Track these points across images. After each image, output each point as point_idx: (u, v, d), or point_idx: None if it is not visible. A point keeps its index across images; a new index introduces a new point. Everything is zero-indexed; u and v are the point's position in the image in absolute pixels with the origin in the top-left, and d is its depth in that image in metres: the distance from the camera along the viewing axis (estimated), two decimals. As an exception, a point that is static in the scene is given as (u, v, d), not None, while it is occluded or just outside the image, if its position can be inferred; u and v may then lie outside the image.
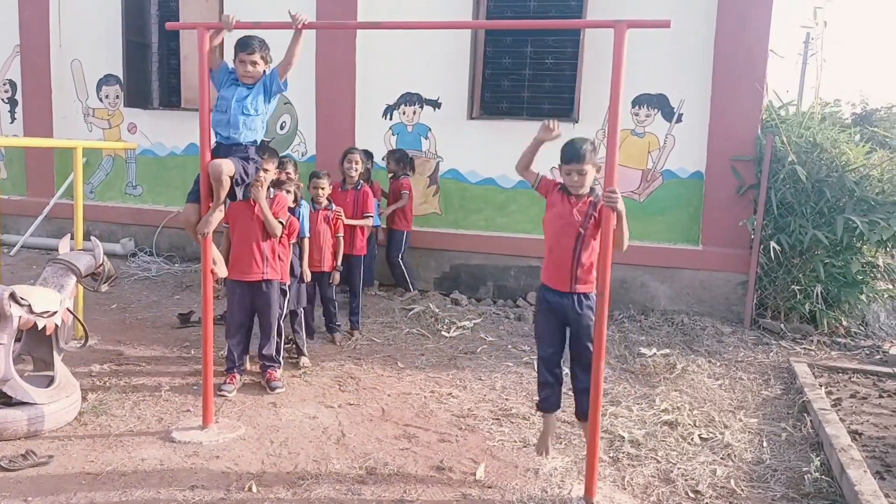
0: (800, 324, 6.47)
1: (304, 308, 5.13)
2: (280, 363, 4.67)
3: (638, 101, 6.92)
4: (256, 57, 3.68)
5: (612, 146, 3.14)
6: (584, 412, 3.39)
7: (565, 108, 7.21)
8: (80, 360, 4.82)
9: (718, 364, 5.48)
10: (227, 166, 3.61)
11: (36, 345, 4.03)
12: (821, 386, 4.90)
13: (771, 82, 7.10)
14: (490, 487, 3.38)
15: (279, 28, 3.56)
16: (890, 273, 6.62)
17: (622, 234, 3.21)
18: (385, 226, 7.05)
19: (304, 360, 4.97)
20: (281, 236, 4.53)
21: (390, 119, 7.65)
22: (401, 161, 7.14)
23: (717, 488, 3.46)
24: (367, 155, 6.93)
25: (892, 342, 6.26)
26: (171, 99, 8.76)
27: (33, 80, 8.89)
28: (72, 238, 4.67)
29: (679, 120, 6.87)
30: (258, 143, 3.84)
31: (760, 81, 6.54)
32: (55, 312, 3.86)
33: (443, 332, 6.01)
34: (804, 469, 3.65)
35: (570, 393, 3.66)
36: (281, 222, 4.50)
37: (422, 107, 7.54)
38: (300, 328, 5.07)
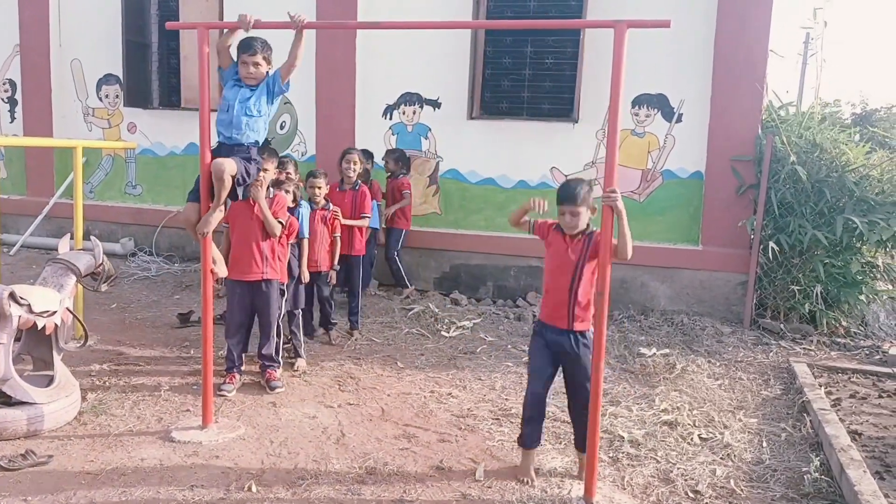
0: (799, 324, 6.47)
1: (301, 309, 5.12)
2: (280, 363, 4.67)
3: (638, 101, 6.93)
4: (259, 58, 3.68)
5: (611, 146, 3.13)
6: (581, 444, 3.41)
7: (565, 108, 7.21)
8: (80, 359, 4.82)
9: (718, 364, 5.48)
10: (230, 165, 3.61)
11: (35, 344, 4.03)
12: (820, 386, 4.91)
13: (771, 82, 7.12)
14: (489, 487, 3.38)
15: (281, 28, 3.55)
16: (889, 273, 6.62)
17: (624, 240, 3.20)
18: (384, 225, 7.05)
19: (301, 363, 4.96)
20: (280, 236, 4.53)
21: (390, 119, 7.65)
22: (399, 160, 7.14)
23: (717, 488, 3.46)
24: (368, 155, 6.93)
25: (891, 342, 6.27)
26: (171, 99, 8.77)
27: (33, 80, 8.89)
28: (71, 238, 4.67)
29: (679, 120, 6.87)
30: (260, 143, 3.85)
31: (760, 81, 6.54)
32: (55, 312, 3.86)
33: (442, 332, 6.01)
34: (804, 469, 3.65)
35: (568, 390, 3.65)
36: (280, 222, 4.50)
37: (422, 107, 7.54)
38: (297, 330, 5.07)
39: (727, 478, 3.57)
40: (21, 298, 3.67)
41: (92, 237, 4.72)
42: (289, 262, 4.84)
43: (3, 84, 9.16)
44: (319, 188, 5.32)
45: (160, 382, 4.54)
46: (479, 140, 7.37)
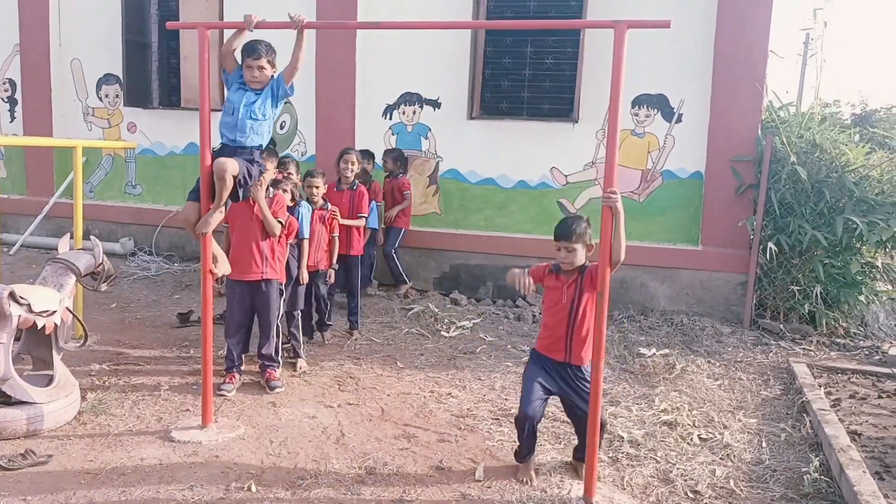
0: (799, 324, 6.47)
1: (300, 310, 5.12)
2: (279, 363, 4.67)
3: (638, 102, 6.93)
4: (263, 62, 3.68)
5: (611, 146, 3.13)
6: (581, 457, 3.45)
7: (565, 109, 7.21)
8: (80, 359, 4.82)
9: (718, 364, 5.48)
10: (232, 165, 3.62)
11: (35, 344, 4.03)
12: (820, 386, 4.91)
13: (771, 83, 7.12)
14: (489, 487, 3.38)
15: (281, 28, 3.55)
16: (889, 274, 6.62)
17: (619, 243, 3.20)
18: (384, 225, 7.05)
19: (301, 364, 4.96)
20: (280, 236, 4.53)
21: (390, 119, 7.65)
22: (397, 160, 7.14)
23: (717, 488, 3.47)
24: (369, 155, 6.93)
25: (891, 343, 6.27)
26: (171, 98, 8.76)
27: (33, 80, 8.89)
28: (71, 237, 4.67)
29: (679, 120, 6.87)
30: (264, 147, 3.85)
31: (760, 82, 6.54)
32: (54, 312, 3.86)
33: (442, 332, 6.01)
34: (803, 469, 3.65)
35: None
36: (280, 222, 4.50)
37: (421, 107, 7.54)
38: (297, 330, 5.06)
39: (727, 478, 3.57)
40: (21, 298, 3.67)
41: (92, 237, 4.72)
42: (287, 263, 4.83)
43: (3, 83, 9.16)
44: (317, 188, 5.31)
45: (160, 382, 4.54)
46: (478, 140, 7.37)
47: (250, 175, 3.76)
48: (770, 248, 6.29)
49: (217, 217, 3.70)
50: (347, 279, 5.84)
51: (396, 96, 7.59)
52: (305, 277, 5.04)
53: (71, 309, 4.17)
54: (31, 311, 3.70)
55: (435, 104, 7.50)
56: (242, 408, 4.21)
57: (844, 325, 6.52)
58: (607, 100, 3.22)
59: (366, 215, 5.96)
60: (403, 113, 7.60)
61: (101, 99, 8.78)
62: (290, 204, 4.82)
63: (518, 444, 3.52)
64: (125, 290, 6.96)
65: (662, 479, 3.54)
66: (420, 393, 4.63)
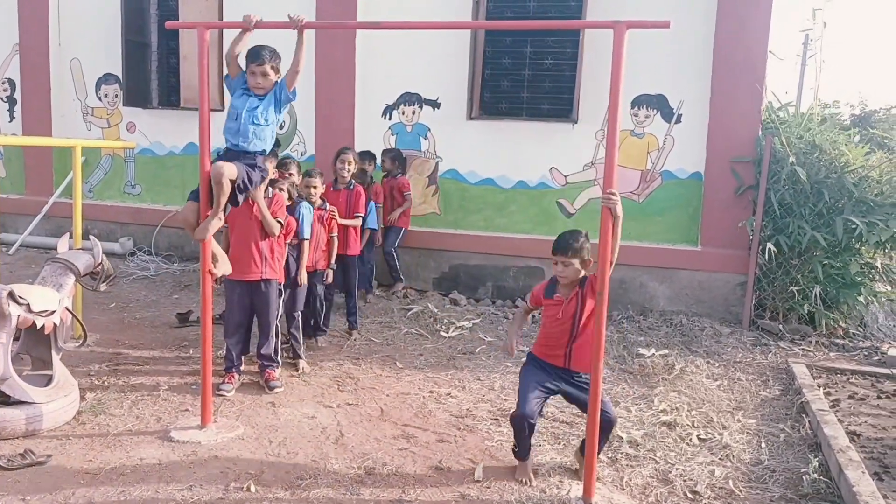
0: (798, 325, 6.48)
1: (301, 311, 5.11)
2: (279, 363, 4.67)
3: (637, 102, 6.93)
4: (266, 68, 3.68)
5: (611, 147, 3.13)
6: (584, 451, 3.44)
7: (565, 109, 7.21)
8: (79, 359, 4.82)
9: (717, 365, 5.48)
10: (230, 170, 3.60)
11: (34, 344, 4.02)
12: (819, 387, 4.91)
13: (770, 83, 7.12)
14: (488, 488, 3.38)
15: (281, 28, 3.55)
16: (888, 274, 6.63)
17: (614, 245, 3.20)
18: (382, 225, 7.04)
19: (302, 364, 4.95)
20: (278, 235, 4.53)
21: (389, 119, 7.65)
22: (396, 160, 7.14)
23: (716, 489, 3.47)
24: (370, 157, 6.91)
25: (890, 343, 6.27)
26: (171, 98, 8.76)
27: (32, 79, 8.88)
28: (70, 237, 4.67)
29: (678, 120, 6.87)
30: (267, 152, 3.84)
31: (760, 82, 6.55)
32: (54, 311, 3.86)
33: (441, 333, 6.01)
34: (802, 470, 3.65)
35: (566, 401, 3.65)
36: (279, 221, 4.50)
37: (421, 107, 7.54)
38: (297, 331, 5.05)
39: (726, 478, 3.57)
40: (20, 298, 3.66)
41: (91, 236, 4.71)
42: (287, 263, 4.83)
43: (3, 83, 9.15)
44: (315, 188, 5.29)
45: (159, 382, 4.53)
46: (478, 140, 7.37)
47: (251, 181, 3.73)
48: (769, 249, 6.29)
49: (216, 223, 3.67)
50: (345, 279, 5.83)
51: (396, 96, 7.59)
52: (304, 279, 5.01)
53: (70, 309, 4.17)
54: (30, 310, 3.70)
55: (434, 104, 7.50)
56: (242, 408, 4.21)
57: (843, 325, 6.53)
58: (607, 100, 3.22)
59: (362, 215, 5.95)
60: (403, 113, 7.60)
61: (100, 99, 8.78)
62: (287, 203, 4.81)
63: (515, 443, 3.52)
64: (124, 289, 6.96)
65: (661, 479, 3.54)
66: (419, 393, 4.63)
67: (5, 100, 9.18)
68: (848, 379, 5.25)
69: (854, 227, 6.09)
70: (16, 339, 3.91)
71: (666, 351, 5.63)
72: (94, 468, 3.37)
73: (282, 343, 4.86)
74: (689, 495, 3.39)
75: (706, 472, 3.63)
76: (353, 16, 7.38)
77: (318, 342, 5.51)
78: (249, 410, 4.18)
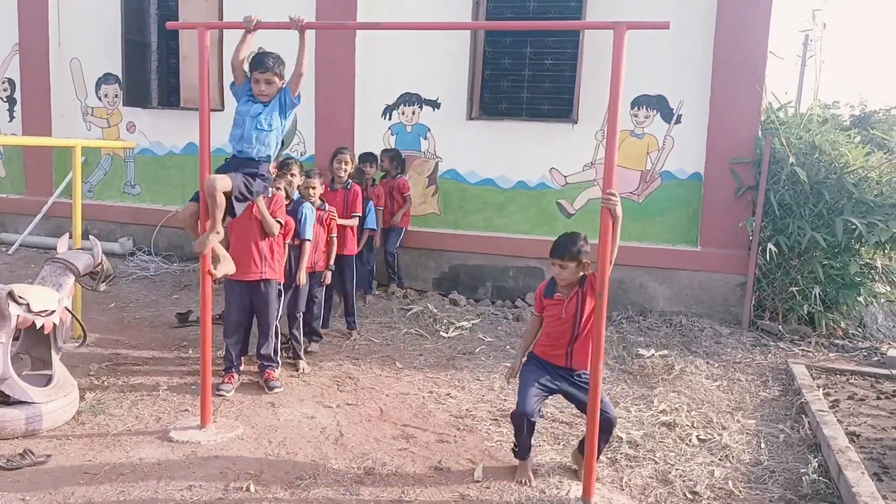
0: (798, 325, 6.48)
1: (301, 312, 5.10)
2: (278, 363, 4.66)
3: (637, 102, 6.93)
4: (270, 75, 3.67)
5: (611, 147, 3.13)
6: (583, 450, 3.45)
7: (564, 109, 7.21)
8: (79, 359, 4.81)
9: (717, 365, 5.48)
10: (222, 182, 3.57)
11: (34, 344, 4.02)
12: (819, 387, 4.91)
13: (770, 84, 7.12)
14: (488, 488, 3.38)
15: (282, 28, 3.55)
16: (888, 275, 6.63)
17: (613, 245, 3.20)
18: (383, 225, 7.03)
19: (303, 365, 4.95)
20: (278, 235, 4.52)
21: (389, 119, 7.65)
22: (394, 160, 7.14)
23: (715, 489, 3.47)
24: (371, 158, 6.91)
25: (889, 344, 6.28)
26: (170, 98, 8.76)
27: (32, 79, 8.88)
28: (70, 237, 4.67)
29: (678, 121, 6.87)
30: (272, 158, 3.83)
31: (760, 83, 6.55)
32: (53, 311, 3.86)
33: (441, 333, 6.01)
34: (802, 470, 3.66)
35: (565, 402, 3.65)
36: (279, 221, 4.49)
37: (421, 107, 7.54)
38: (298, 332, 5.05)
39: (725, 479, 3.57)
40: (20, 297, 3.66)
41: (91, 236, 4.71)
42: (287, 263, 4.83)
43: (3, 83, 9.15)
44: (314, 188, 5.28)
45: (158, 382, 4.53)
46: (478, 140, 7.37)
47: (250, 190, 3.71)
48: (769, 250, 6.29)
49: (214, 238, 3.63)
50: (342, 279, 5.82)
51: (396, 96, 7.59)
52: (304, 280, 4.98)
53: (70, 309, 4.17)
54: (29, 310, 3.70)
55: (434, 104, 7.50)
56: (241, 408, 4.21)
57: (843, 326, 6.53)
58: (607, 100, 3.22)
59: (359, 214, 5.93)
60: (403, 113, 7.60)
61: (100, 98, 8.77)
62: (285, 202, 4.80)
63: (515, 442, 3.52)
64: (124, 289, 6.96)
65: (661, 479, 3.54)
66: (419, 393, 4.63)
67: (5, 100, 9.18)
68: (847, 379, 5.26)
69: (854, 227, 6.09)
70: (15, 338, 3.91)
71: (665, 351, 5.63)
72: (93, 468, 3.37)
73: (282, 343, 4.86)
74: (689, 496, 3.39)
75: (706, 472, 3.63)
76: (353, 16, 7.38)
77: (311, 347, 5.31)
78: (249, 410, 4.18)
